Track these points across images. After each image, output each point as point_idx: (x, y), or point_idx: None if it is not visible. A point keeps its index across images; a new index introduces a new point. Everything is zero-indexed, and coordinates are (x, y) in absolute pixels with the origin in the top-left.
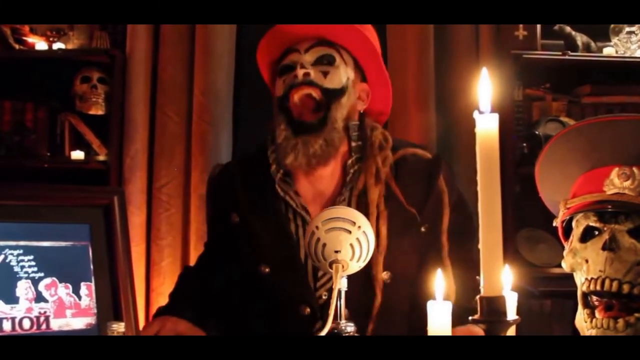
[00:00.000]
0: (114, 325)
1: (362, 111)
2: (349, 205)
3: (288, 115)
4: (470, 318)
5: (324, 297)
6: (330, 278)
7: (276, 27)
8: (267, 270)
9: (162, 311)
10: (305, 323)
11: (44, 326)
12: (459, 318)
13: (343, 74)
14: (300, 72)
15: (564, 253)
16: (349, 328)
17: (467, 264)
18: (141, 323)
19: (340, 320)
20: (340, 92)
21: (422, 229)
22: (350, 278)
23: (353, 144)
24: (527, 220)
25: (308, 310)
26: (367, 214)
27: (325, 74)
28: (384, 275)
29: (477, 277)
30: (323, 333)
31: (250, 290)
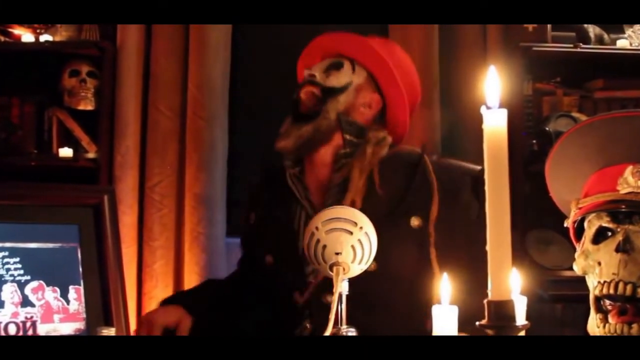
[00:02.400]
0: (104, 331)
1: (369, 119)
2: (336, 192)
3: (295, 110)
4: (477, 323)
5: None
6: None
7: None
8: (270, 260)
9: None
10: (298, 310)
11: (30, 331)
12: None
13: (345, 77)
14: (305, 73)
15: (576, 255)
16: (350, 333)
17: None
18: (132, 328)
19: (342, 325)
20: (338, 90)
21: (415, 223)
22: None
23: (348, 137)
24: (537, 221)
25: (300, 296)
26: (342, 202)
27: (328, 75)
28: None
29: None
30: None
31: (254, 281)
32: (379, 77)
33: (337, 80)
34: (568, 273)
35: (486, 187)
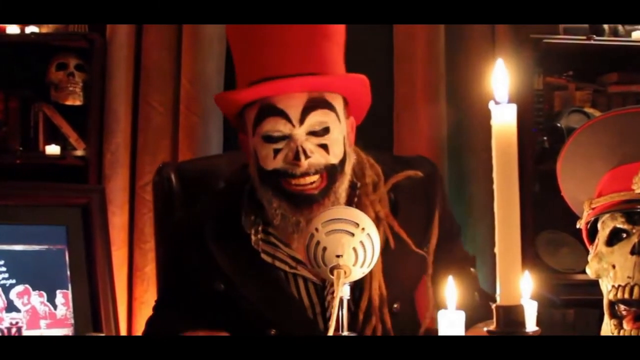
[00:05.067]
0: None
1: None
2: None
3: (279, 188)
4: (485, 329)
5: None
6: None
7: (263, 97)
8: (273, 332)
9: None
10: None
11: None
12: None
13: (340, 137)
14: (304, 164)
15: (589, 258)
16: None
17: (463, 261)
18: (123, 334)
19: (342, 331)
20: (343, 162)
21: (424, 250)
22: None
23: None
24: (548, 222)
25: None
26: None
27: (325, 147)
28: (395, 306)
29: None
30: None
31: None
32: (352, 102)
33: (338, 149)
34: (580, 276)
35: (494, 187)
